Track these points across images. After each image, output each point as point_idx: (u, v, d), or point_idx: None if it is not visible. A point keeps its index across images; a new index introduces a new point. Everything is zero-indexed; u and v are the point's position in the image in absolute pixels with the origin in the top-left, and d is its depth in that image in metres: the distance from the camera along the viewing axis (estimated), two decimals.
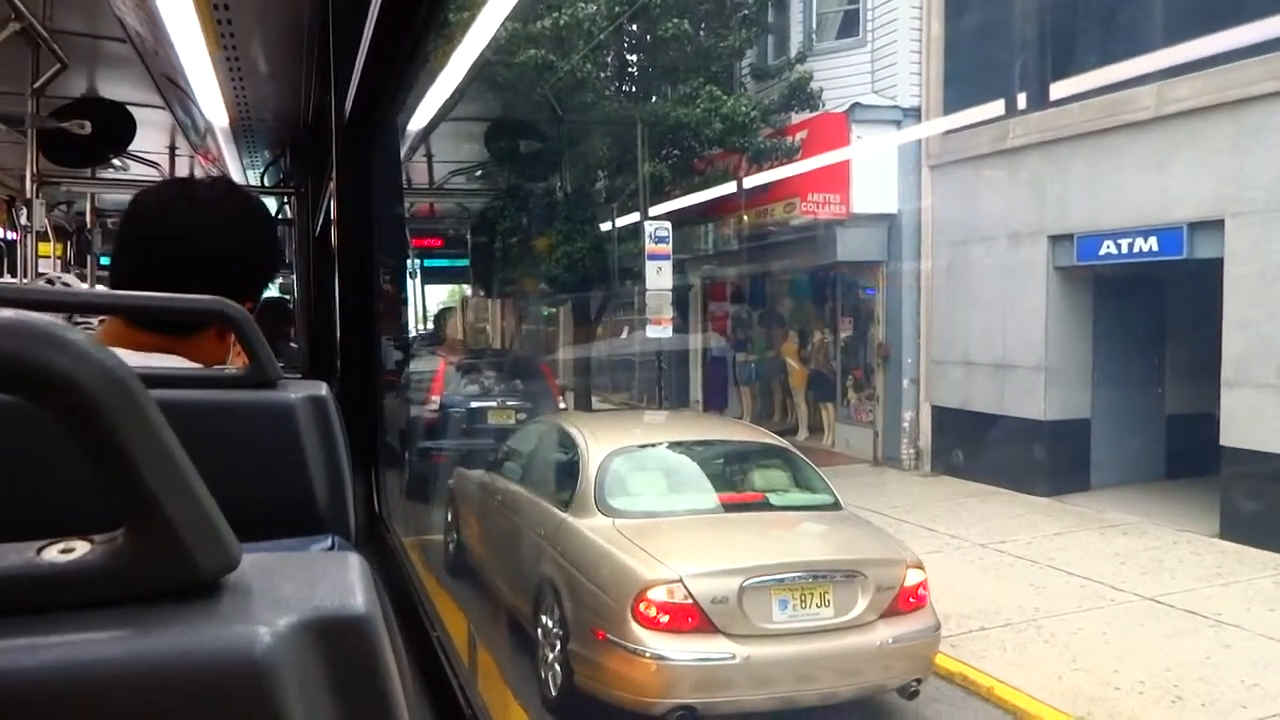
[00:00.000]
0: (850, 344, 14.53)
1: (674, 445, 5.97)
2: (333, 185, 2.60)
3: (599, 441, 5.63)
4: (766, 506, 5.40)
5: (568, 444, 5.89)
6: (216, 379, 0.94)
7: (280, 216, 7.22)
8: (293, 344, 5.40)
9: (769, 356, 16.39)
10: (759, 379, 16.66)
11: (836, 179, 12.70)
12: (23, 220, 4.43)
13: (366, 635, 0.44)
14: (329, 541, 0.85)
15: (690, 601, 4.42)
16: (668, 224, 12.01)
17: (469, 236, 16.31)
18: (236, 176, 6.59)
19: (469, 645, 5.56)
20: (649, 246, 11.81)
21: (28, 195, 4.07)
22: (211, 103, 4.34)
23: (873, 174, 12.78)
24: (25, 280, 4.25)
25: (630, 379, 20.72)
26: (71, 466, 0.42)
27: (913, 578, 4.84)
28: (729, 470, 5.84)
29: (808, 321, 15.94)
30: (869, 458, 13.23)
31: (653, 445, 5.97)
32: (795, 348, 15.26)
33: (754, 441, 6.15)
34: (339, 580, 0.45)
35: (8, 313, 0.35)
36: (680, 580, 4.46)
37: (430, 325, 18.95)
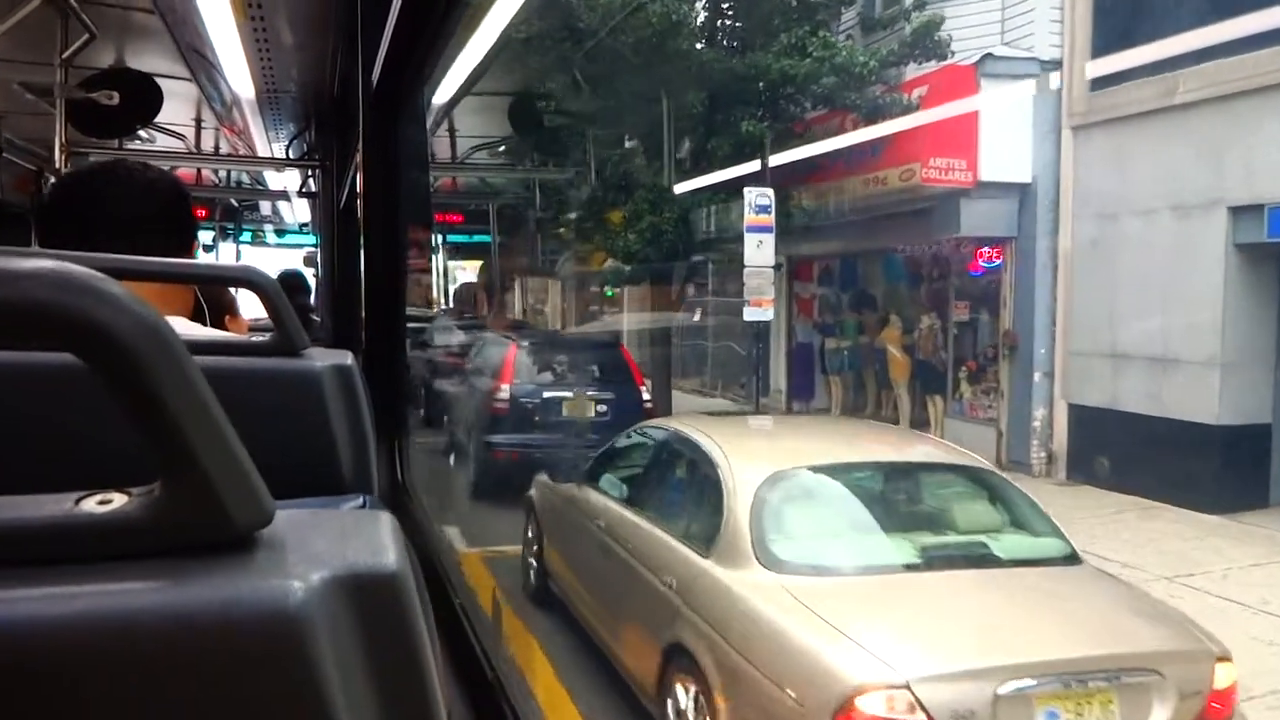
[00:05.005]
0: (964, 330, 12.91)
1: (845, 468, 4.42)
2: (359, 158, 2.60)
3: (744, 460, 4.18)
4: (988, 560, 3.89)
5: (698, 460, 4.43)
6: (244, 346, 0.99)
7: (304, 190, 7.21)
8: (313, 316, 5.30)
9: (862, 343, 14.85)
10: (851, 368, 15.12)
11: (963, 142, 11.08)
12: None
13: (397, 592, 0.43)
14: (360, 500, 0.88)
15: (922, 716, 2.97)
16: (769, 191, 10.50)
17: (529, 212, 15.21)
18: (261, 149, 6.46)
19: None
20: (749, 217, 10.34)
21: (56, 165, 4.03)
22: (237, 74, 4.29)
23: (1004, 136, 11.13)
24: None
25: (701, 365, 19.26)
26: (110, 421, 0.40)
27: (1222, 677, 3.34)
28: (921, 503, 4.32)
29: (908, 305, 14.39)
30: (989, 460, 11.63)
31: (820, 468, 4.38)
32: (898, 334, 13.67)
33: (944, 462, 4.63)
34: (371, 537, 0.45)
35: (48, 263, 0.35)
36: (906, 685, 3.00)
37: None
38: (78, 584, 0.38)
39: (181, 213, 1.51)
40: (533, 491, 6.62)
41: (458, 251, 22.05)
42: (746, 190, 10.40)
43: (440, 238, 19.11)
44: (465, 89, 4.74)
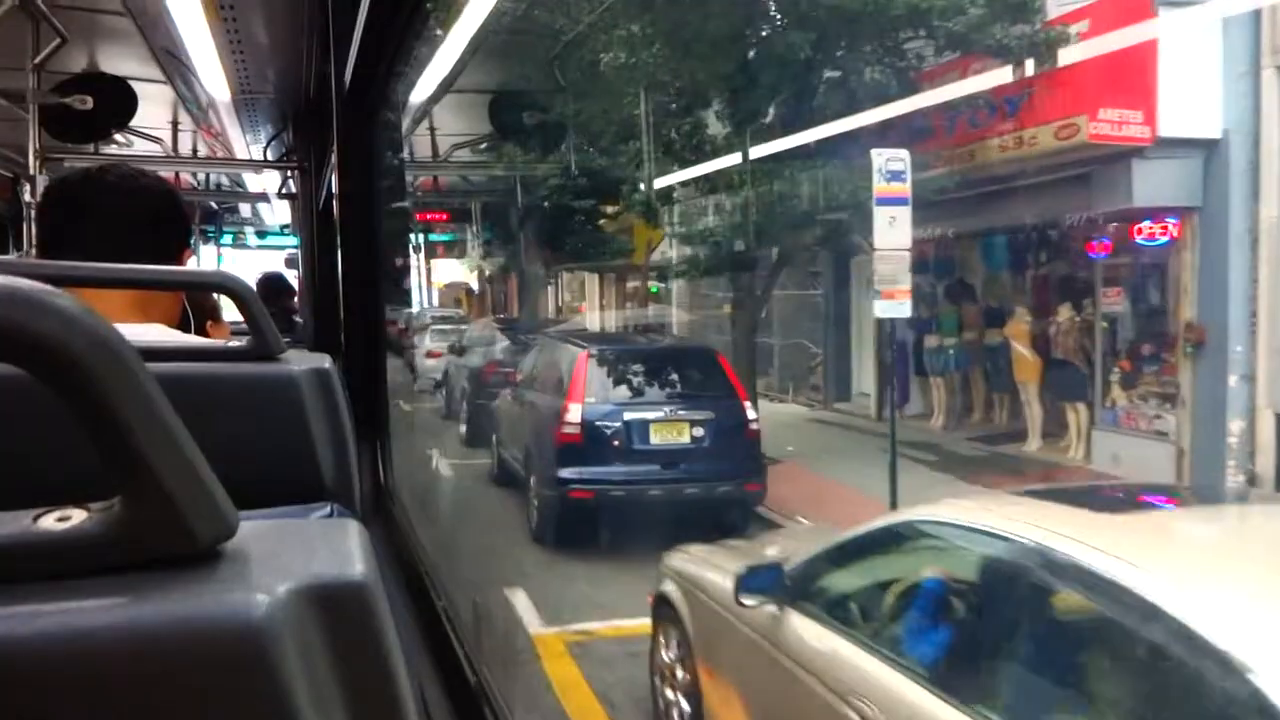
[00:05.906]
0: (1117, 323, 10.71)
1: None
2: (334, 158, 2.62)
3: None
4: None
5: (1154, 639, 2.07)
6: (219, 352, 0.97)
7: (284, 191, 7.10)
8: (296, 318, 5.26)
9: (968, 339, 12.68)
10: (958, 368, 12.94)
11: (1137, 88, 8.86)
12: (26, 197, 4.35)
13: (366, 602, 0.43)
14: (328, 509, 0.84)
15: None
16: (905, 154, 8.30)
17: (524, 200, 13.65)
18: (239, 151, 6.48)
19: None
20: (878, 186, 8.17)
21: (31, 172, 3.99)
22: (212, 76, 4.30)
23: (1186, 81, 8.89)
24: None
25: (767, 365, 17.08)
26: (69, 436, 0.40)
27: None
28: None
29: (1012, 294, 12.28)
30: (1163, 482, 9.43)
31: None
32: (1026, 328, 11.48)
33: None
34: (338, 547, 0.44)
35: None
36: None
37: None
38: (37, 603, 0.37)
39: (172, 218, 1.49)
40: (669, 587, 4.40)
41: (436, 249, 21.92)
42: (875, 154, 8.22)
43: (423, 236, 19.08)
44: (449, 81, 4.45)
